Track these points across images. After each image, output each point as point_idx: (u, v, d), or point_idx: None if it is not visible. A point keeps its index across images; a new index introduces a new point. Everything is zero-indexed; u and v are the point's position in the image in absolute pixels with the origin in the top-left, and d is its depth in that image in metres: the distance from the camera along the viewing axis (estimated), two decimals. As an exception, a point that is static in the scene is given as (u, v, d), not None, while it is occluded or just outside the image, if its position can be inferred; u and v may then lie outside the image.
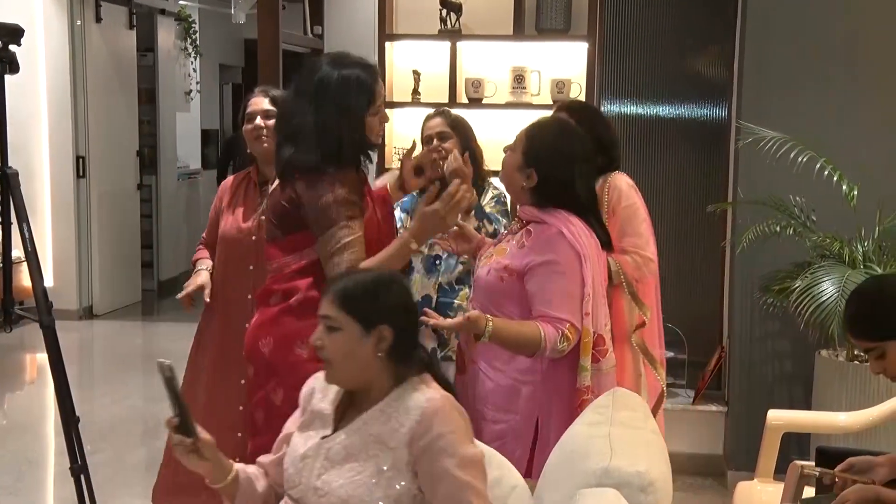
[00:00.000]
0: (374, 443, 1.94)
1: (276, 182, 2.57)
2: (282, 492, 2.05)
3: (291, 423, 2.14)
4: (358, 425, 1.98)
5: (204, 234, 3.32)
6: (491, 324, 2.41)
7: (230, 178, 3.28)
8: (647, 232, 3.14)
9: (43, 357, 6.29)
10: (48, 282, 6.61)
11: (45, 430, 5.09)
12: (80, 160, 7.27)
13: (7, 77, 3.44)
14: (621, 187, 3.11)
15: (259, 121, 3.10)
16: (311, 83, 2.45)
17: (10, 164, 3.38)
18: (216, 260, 3.18)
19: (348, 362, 1.98)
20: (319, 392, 2.09)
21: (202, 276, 3.14)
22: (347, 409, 2.04)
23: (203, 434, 1.95)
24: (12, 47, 3.41)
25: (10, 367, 5.93)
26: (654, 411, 3.19)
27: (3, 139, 3.57)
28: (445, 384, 2.05)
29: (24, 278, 5.77)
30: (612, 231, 2.96)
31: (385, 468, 1.92)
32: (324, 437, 2.00)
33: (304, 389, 2.14)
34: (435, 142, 3.49)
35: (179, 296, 3.12)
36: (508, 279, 2.53)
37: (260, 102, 3.14)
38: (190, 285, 3.12)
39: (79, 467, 3.29)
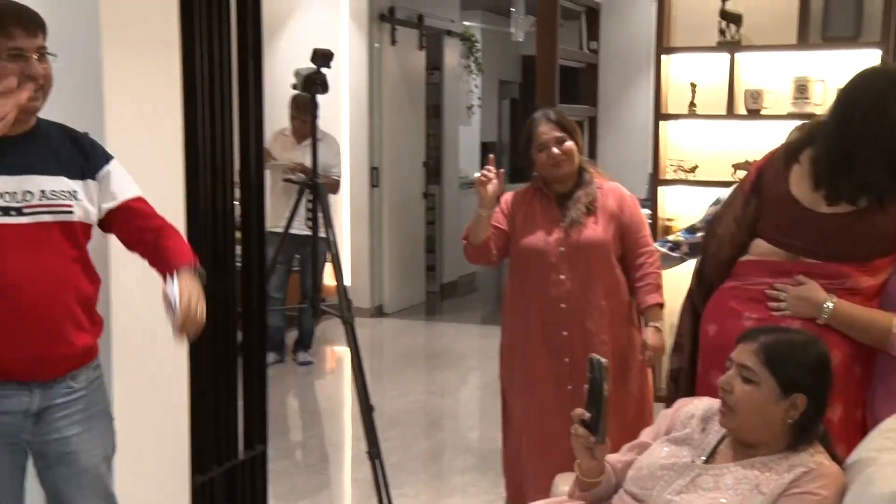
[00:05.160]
0: (747, 483, 1.93)
1: None
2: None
3: (649, 434, 2.20)
4: (737, 465, 1.97)
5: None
6: (832, 302, 2.27)
7: (511, 195, 3.31)
8: None
9: (340, 349, 6.76)
10: (345, 282, 7.07)
11: (342, 417, 5.44)
12: (374, 171, 7.61)
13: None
14: None
15: (555, 150, 3.13)
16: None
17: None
18: (514, 268, 3.25)
19: (753, 417, 1.96)
20: (700, 421, 2.11)
21: None
22: (724, 444, 2.05)
23: (607, 440, 2.03)
24: (324, 70, 3.70)
25: (314, 357, 6.38)
26: None
27: (315, 154, 3.89)
28: (836, 458, 2.00)
29: (327, 278, 6.26)
30: None
31: None
32: (693, 461, 2.02)
33: (683, 411, 2.17)
34: None
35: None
36: None
37: (549, 131, 3.15)
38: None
39: (375, 452, 3.50)
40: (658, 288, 3.19)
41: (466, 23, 9.60)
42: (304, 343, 6.26)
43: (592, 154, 7.02)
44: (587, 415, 2.00)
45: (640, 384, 3.26)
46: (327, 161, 5.68)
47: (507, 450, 3.42)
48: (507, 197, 3.30)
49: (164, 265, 2.20)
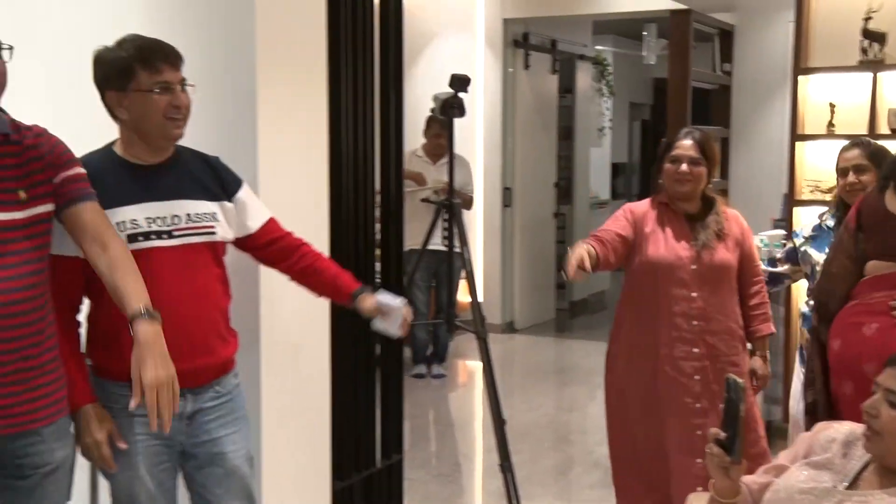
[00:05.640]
0: None
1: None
2: None
3: (786, 457, 2.10)
4: (884, 493, 1.86)
5: (599, 234, 3.06)
6: None
7: (642, 204, 3.19)
8: None
9: (472, 363, 6.75)
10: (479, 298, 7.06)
11: (474, 429, 5.42)
12: (507, 191, 7.59)
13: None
14: None
15: (685, 167, 3.03)
16: None
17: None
18: (638, 279, 3.12)
19: None
20: (841, 446, 2.00)
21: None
22: (868, 471, 1.94)
23: (744, 460, 1.94)
24: (461, 94, 3.70)
25: (447, 371, 6.39)
26: None
27: (451, 174, 3.89)
28: None
29: (461, 294, 6.26)
30: None
31: None
32: (835, 487, 1.92)
33: (823, 435, 2.06)
34: (851, 175, 3.28)
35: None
36: None
37: (688, 149, 3.05)
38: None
39: (507, 465, 3.46)
40: (770, 318, 3.20)
41: (598, 47, 9.50)
42: (438, 356, 6.29)
43: (724, 174, 6.81)
44: (722, 434, 1.91)
45: (753, 407, 3.18)
46: (463, 180, 5.75)
47: (616, 464, 3.28)
48: (634, 206, 3.19)
49: (339, 289, 2.48)
